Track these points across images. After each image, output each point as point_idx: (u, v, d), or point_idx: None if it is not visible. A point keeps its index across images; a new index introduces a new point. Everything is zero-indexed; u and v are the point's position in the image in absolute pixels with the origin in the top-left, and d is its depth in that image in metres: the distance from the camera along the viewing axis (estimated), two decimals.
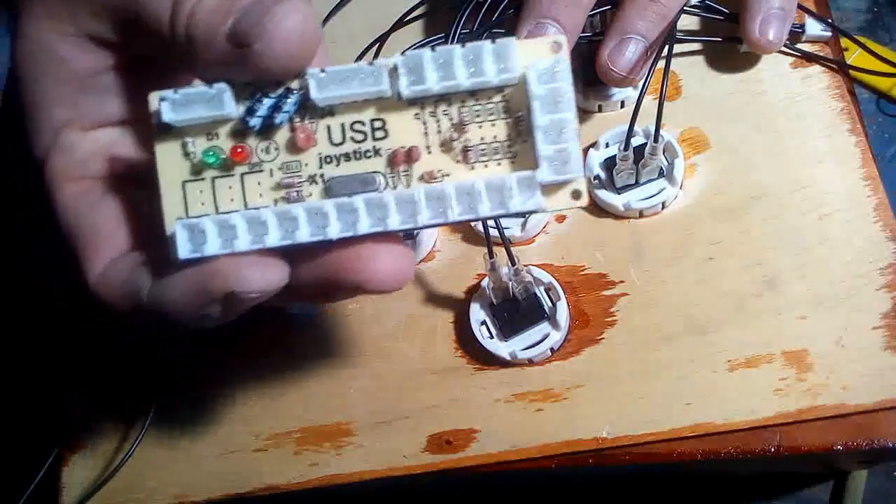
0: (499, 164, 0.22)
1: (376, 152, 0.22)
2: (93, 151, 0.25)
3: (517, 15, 0.33)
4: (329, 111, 0.22)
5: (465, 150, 0.22)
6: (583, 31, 0.34)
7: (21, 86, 0.25)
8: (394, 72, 0.21)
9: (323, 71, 0.21)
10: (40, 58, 0.24)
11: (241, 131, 0.22)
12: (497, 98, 0.22)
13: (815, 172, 0.33)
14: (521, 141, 0.22)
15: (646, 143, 0.33)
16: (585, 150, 0.36)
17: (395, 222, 0.21)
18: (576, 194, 0.21)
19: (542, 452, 0.32)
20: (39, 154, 0.25)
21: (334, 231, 0.21)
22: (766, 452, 0.30)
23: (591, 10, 0.33)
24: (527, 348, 0.33)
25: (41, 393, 0.41)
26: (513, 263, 0.31)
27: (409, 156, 0.21)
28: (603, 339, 0.33)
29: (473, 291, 0.35)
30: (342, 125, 0.22)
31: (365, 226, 0.21)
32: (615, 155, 0.33)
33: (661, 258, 0.34)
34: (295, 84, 0.22)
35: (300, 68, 0.21)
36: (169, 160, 0.22)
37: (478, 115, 0.22)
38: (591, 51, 0.36)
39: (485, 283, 0.33)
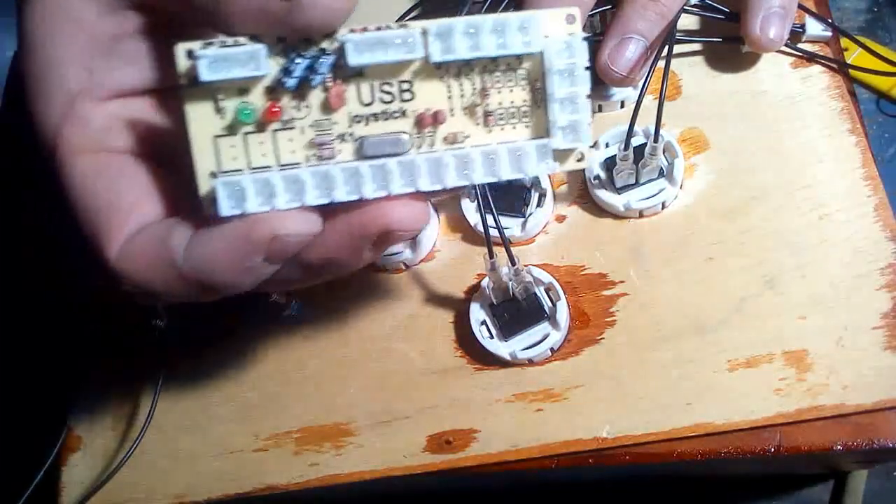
0: (514, 127, 0.23)
1: (403, 113, 0.23)
2: (109, 124, 0.24)
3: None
4: (359, 72, 0.22)
5: (486, 114, 0.23)
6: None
7: (30, 53, 0.24)
8: (423, 36, 0.22)
9: (360, 32, 0.22)
10: (56, 20, 0.23)
11: (272, 89, 0.22)
12: (518, 67, 0.23)
13: (815, 172, 0.33)
14: (536, 107, 0.23)
15: (646, 143, 0.33)
16: None
17: (424, 183, 0.22)
18: (579, 157, 0.23)
19: (542, 452, 0.32)
20: (49, 126, 0.24)
21: (369, 190, 0.22)
22: (766, 452, 0.30)
23: (591, 10, 0.33)
24: (527, 348, 0.33)
25: (41, 392, 0.41)
26: (513, 263, 0.31)
27: (436, 118, 0.23)
28: (603, 338, 0.33)
29: (473, 291, 0.35)
30: (371, 86, 0.23)
31: (397, 186, 0.22)
32: (615, 155, 0.33)
33: (661, 258, 0.34)
34: (326, 45, 0.22)
35: (339, 25, 0.22)
36: (200, 116, 0.22)
37: (498, 82, 0.23)
38: (590, 51, 0.36)
39: (485, 283, 0.33)
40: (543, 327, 0.33)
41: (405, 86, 0.23)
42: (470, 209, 0.35)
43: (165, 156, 0.25)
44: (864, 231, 0.32)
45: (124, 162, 0.24)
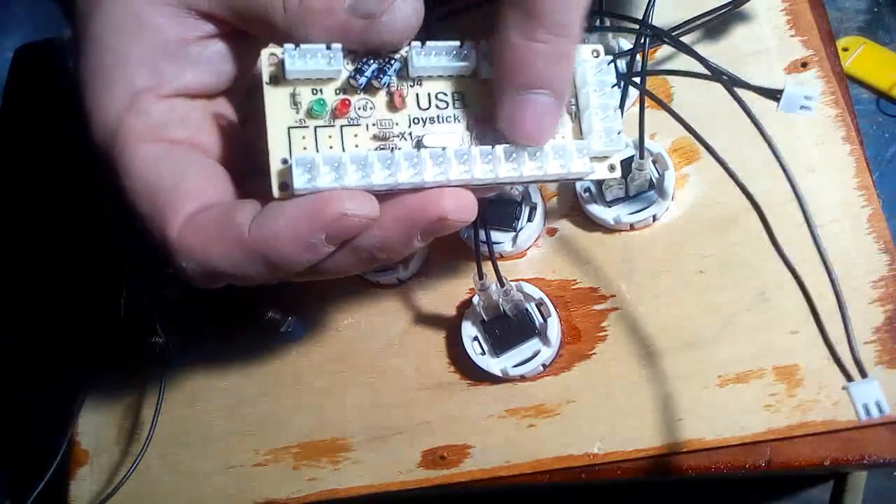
0: (553, 137, 0.26)
1: (456, 119, 0.26)
2: (171, 117, 0.25)
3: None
4: (419, 81, 0.26)
5: None
6: None
7: (96, 54, 0.25)
8: (474, 50, 0.25)
9: (422, 44, 0.25)
10: (127, 24, 0.25)
11: (343, 88, 0.25)
12: None
13: (807, 182, 0.33)
14: (573, 119, 0.27)
15: (633, 157, 0.32)
16: None
17: (479, 172, 0.24)
18: (612, 168, 0.27)
19: (534, 468, 0.32)
20: (111, 116, 0.25)
21: (430, 176, 0.24)
22: (757, 468, 0.30)
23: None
24: (518, 365, 0.33)
25: (46, 404, 0.42)
26: (501, 285, 0.31)
27: (484, 121, 0.26)
28: (594, 354, 0.33)
29: (465, 307, 0.35)
30: (428, 94, 0.26)
31: (455, 174, 0.24)
32: None
33: (653, 272, 0.33)
34: (394, 54, 0.25)
35: (409, 39, 0.24)
36: (278, 107, 0.24)
37: None
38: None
39: (475, 300, 0.33)
40: (534, 343, 0.33)
41: (457, 95, 0.26)
42: None
43: (225, 154, 0.27)
44: (857, 243, 0.32)
45: (188, 150, 0.26)
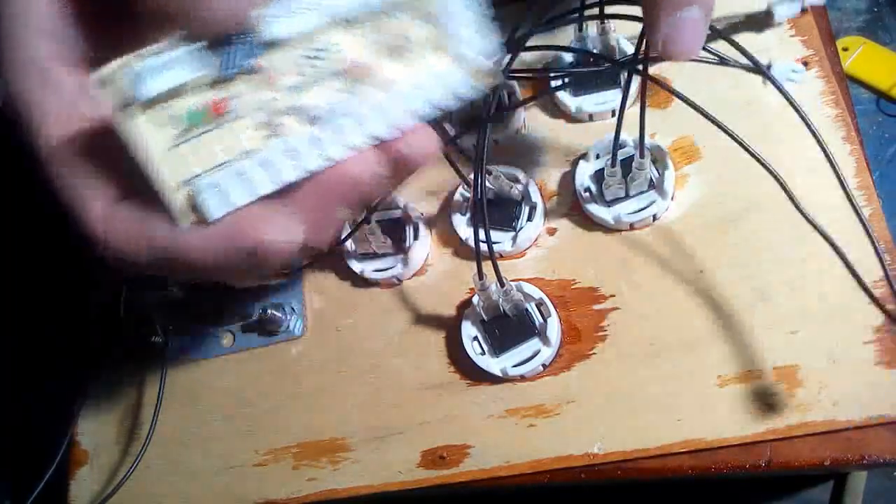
0: (423, 57, 0.23)
1: (333, 74, 0.23)
2: (80, 92, 0.24)
3: None
4: (280, 44, 0.23)
5: (401, 49, 0.23)
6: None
7: None
8: None
9: (268, 11, 0.22)
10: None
11: (211, 85, 0.22)
12: (417, 5, 0.23)
13: (808, 182, 0.33)
14: (439, 32, 0.23)
15: (633, 156, 0.32)
16: (575, 162, 0.35)
17: (381, 129, 0.23)
18: (489, 70, 0.24)
19: (534, 468, 0.32)
20: (24, 93, 0.24)
21: (338, 153, 0.23)
22: (757, 468, 0.30)
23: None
24: (518, 364, 0.33)
25: (46, 404, 0.41)
26: (501, 285, 0.31)
27: (363, 68, 0.23)
28: (594, 353, 0.33)
29: (465, 306, 0.35)
30: (296, 56, 0.23)
31: (356, 139, 0.23)
32: (605, 167, 0.33)
33: (653, 271, 0.33)
34: (244, 32, 0.22)
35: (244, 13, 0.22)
36: (148, 130, 0.22)
37: (404, 20, 0.23)
38: (578, 62, 0.36)
39: (475, 300, 0.33)
40: (534, 343, 0.33)
41: (333, 46, 0.23)
42: (461, 223, 0.35)
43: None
44: (857, 243, 0.31)
45: (99, 136, 0.24)
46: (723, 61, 0.31)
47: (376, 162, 0.23)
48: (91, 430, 0.39)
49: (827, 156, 0.29)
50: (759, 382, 0.31)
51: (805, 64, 0.34)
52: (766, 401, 0.31)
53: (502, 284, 0.31)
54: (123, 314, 0.38)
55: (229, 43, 0.22)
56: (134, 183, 0.23)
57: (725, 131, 0.29)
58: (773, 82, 0.28)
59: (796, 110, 0.28)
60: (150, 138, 0.22)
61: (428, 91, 0.23)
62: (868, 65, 0.38)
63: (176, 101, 0.22)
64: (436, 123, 0.24)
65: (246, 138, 0.22)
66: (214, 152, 0.22)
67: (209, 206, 0.22)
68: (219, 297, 0.38)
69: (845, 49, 0.37)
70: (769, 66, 0.28)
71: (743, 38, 0.35)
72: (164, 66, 0.22)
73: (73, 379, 0.40)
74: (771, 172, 0.29)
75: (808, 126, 0.28)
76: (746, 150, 0.28)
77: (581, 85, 0.36)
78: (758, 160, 0.28)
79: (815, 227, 0.29)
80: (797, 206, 0.30)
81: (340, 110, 0.23)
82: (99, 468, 0.38)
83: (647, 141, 0.33)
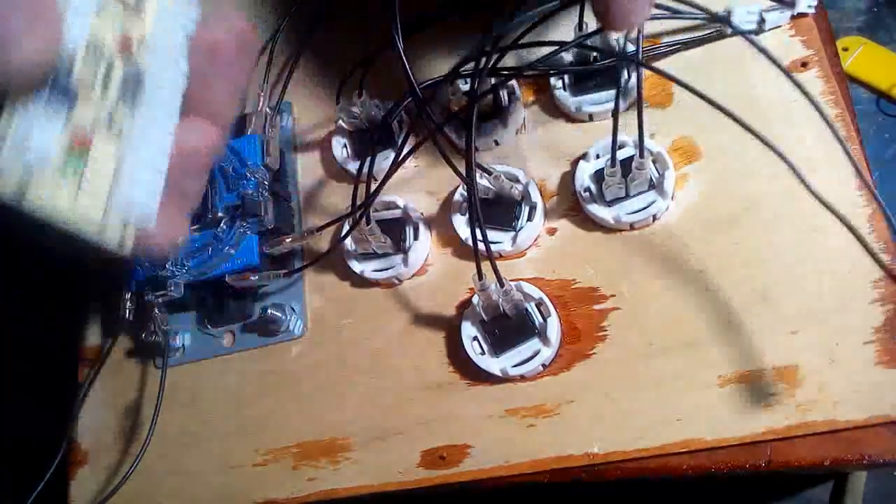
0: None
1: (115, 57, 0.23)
2: None
3: None
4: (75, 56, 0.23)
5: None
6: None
7: None
8: None
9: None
10: None
11: (63, 124, 0.22)
12: None
13: (808, 181, 0.33)
14: None
15: (633, 156, 0.32)
16: (575, 162, 0.35)
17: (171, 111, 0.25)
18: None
19: (533, 468, 0.32)
20: None
21: (167, 118, 0.25)
22: (757, 468, 0.30)
23: None
24: (518, 364, 0.33)
25: (46, 404, 0.41)
26: (501, 285, 0.31)
27: (126, 44, 0.24)
28: (594, 353, 0.33)
29: (465, 306, 0.35)
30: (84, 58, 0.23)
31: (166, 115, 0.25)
32: (605, 167, 0.33)
33: (653, 271, 0.33)
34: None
35: None
36: (52, 195, 0.22)
37: None
38: (579, 59, 0.36)
39: (475, 299, 0.33)
40: (534, 343, 0.33)
41: (97, 42, 0.23)
42: (461, 223, 0.35)
43: None
44: (857, 242, 0.32)
45: None
46: (677, 13, 0.32)
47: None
48: (91, 430, 0.39)
49: (844, 148, 0.29)
50: (759, 382, 0.31)
51: (804, 64, 0.35)
52: (766, 401, 0.30)
53: (502, 284, 0.31)
54: (124, 314, 0.38)
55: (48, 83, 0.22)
56: None
57: (732, 117, 0.29)
58: (734, 28, 0.28)
59: (770, 58, 0.29)
60: (57, 202, 0.22)
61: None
62: (868, 65, 0.38)
63: (51, 157, 0.22)
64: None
65: (113, 150, 0.23)
66: (104, 179, 0.23)
67: (143, 217, 0.24)
68: (219, 297, 0.38)
69: (845, 49, 0.37)
70: (729, 14, 0.30)
71: (740, 37, 0.35)
72: (26, 131, 0.21)
73: (73, 379, 0.40)
74: (783, 157, 0.29)
75: (821, 115, 0.29)
76: (756, 135, 0.28)
77: (581, 85, 0.36)
78: (767, 145, 0.28)
79: (833, 212, 0.30)
80: (812, 192, 0.30)
81: (136, 79, 0.24)
82: (99, 468, 0.39)
83: (647, 141, 0.33)
